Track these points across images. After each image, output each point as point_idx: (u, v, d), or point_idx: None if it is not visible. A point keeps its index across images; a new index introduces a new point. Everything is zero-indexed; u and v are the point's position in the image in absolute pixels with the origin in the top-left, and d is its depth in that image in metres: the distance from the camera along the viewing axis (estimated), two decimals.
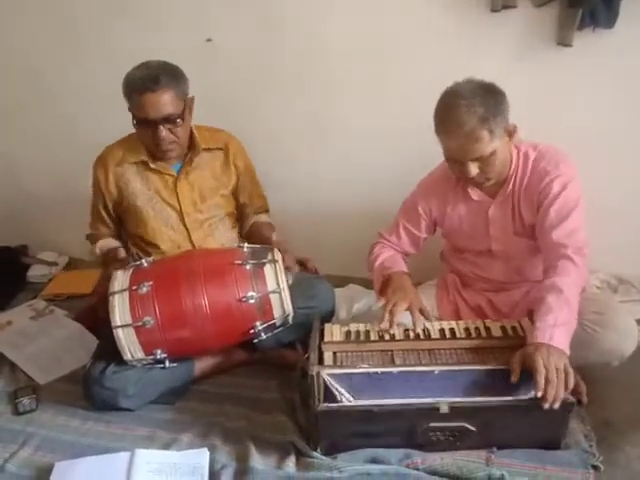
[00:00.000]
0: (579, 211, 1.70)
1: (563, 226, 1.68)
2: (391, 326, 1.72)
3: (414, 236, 1.98)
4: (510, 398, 1.51)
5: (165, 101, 1.83)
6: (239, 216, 2.21)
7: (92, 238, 2.16)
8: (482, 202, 1.83)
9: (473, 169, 1.66)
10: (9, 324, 2.43)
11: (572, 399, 1.49)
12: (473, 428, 1.54)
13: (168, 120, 1.86)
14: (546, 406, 1.44)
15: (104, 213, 2.10)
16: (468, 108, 1.58)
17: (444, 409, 1.50)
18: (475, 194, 1.82)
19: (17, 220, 2.99)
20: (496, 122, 1.60)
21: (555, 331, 1.51)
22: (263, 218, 2.20)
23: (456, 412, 1.51)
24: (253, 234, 2.13)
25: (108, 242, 2.12)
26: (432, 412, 1.51)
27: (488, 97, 1.60)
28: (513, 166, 1.75)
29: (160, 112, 1.83)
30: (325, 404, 1.55)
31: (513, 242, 1.84)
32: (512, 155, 1.75)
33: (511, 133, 1.68)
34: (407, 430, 1.57)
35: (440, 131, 1.67)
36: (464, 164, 1.66)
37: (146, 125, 1.87)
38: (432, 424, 1.54)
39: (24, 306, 2.58)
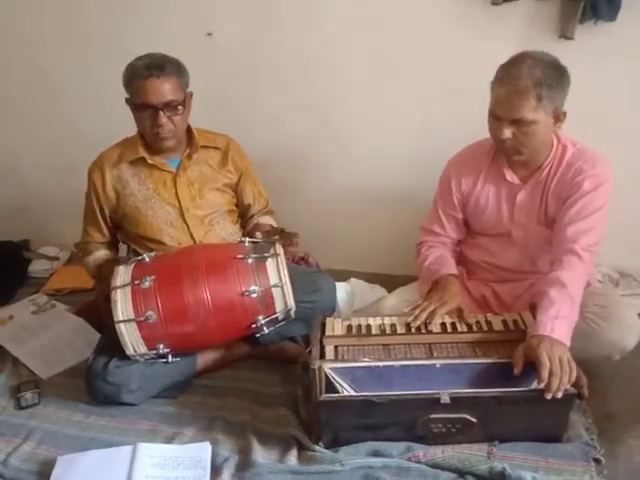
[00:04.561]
0: (601, 214, 1.71)
1: (580, 224, 1.69)
2: (417, 321, 1.74)
3: (455, 219, 1.96)
4: (511, 389, 1.51)
5: (168, 88, 1.85)
6: (243, 217, 2.20)
7: (84, 249, 2.14)
8: (513, 185, 1.82)
9: (507, 131, 1.65)
10: (11, 319, 2.44)
11: (573, 390, 1.49)
12: (474, 419, 1.55)
13: (169, 106, 1.86)
14: (548, 396, 1.45)
15: (100, 218, 2.07)
16: (529, 67, 1.61)
17: (445, 399, 1.50)
18: (509, 175, 1.82)
19: (19, 215, 2.99)
20: (549, 94, 1.61)
21: (556, 324, 1.52)
22: (266, 219, 2.17)
23: (457, 403, 1.51)
24: (251, 236, 2.06)
25: (102, 255, 2.11)
26: (433, 403, 1.51)
27: (552, 70, 1.63)
28: (551, 155, 1.76)
29: (162, 97, 1.84)
30: (326, 394, 1.55)
31: (534, 230, 1.85)
32: (553, 144, 1.76)
33: (559, 118, 1.68)
34: (408, 422, 1.57)
35: (496, 80, 1.67)
36: (501, 122, 1.65)
37: (146, 111, 1.87)
38: (433, 415, 1.55)
39: (26, 301, 2.59)
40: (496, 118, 1.67)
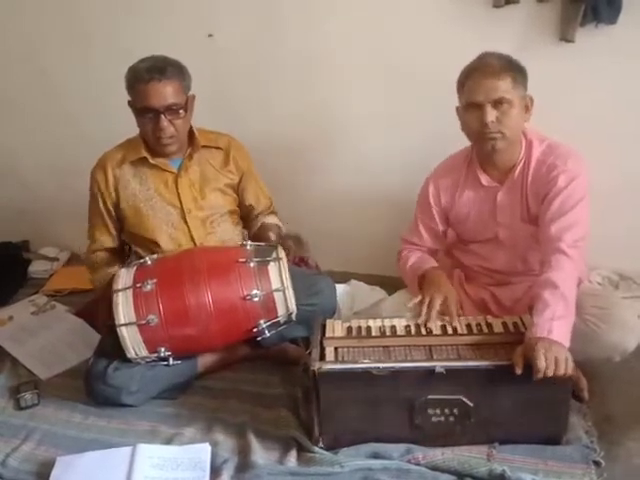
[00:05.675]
0: (582, 207, 1.72)
1: (562, 220, 1.70)
2: (429, 319, 1.75)
3: (434, 231, 1.99)
4: (504, 362, 1.52)
5: (169, 91, 1.84)
6: (247, 218, 2.19)
7: (91, 263, 2.08)
8: (490, 188, 1.85)
9: (491, 114, 1.67)
10: (10, 319, 2.44)
11: (570, 373, 1.49)
12: (470, 403, 1.56)
13: (170, 110, 1.85)
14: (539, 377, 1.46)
15: (107, 219, 2.04)
16: (494, 56, 1.71)
17: (439, 369, 1.53)
18: (484, 179, 1.84)
19: (19, 216, 2.99)
20: (519, 78, 1.69)
21: (553, 325, 1.53)
22: (271, 219, 2.13)
23: (451, 376, 1.53)
24: (259, 236, 2.04)
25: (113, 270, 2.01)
26: (429, 376, 1.53)
27: (513, 61, 1.72)
28: (522, 152, 1.79)
29: (164, 101, 1.83)
30: (327, 366, 1.57)
31: (520, 229, 1.86)
32: (522, 142, 1.79)
33: (528, 106, 1.74)
34: (406, 404, 1.58)
35: (464, 76, 1.73)
36: (483, 108, 1.68)
37: (148, 115, 1.86)
38: (430, 396, 1.56)
39: (25, 301, 2.59)
40: (476, 107, 1.70)
